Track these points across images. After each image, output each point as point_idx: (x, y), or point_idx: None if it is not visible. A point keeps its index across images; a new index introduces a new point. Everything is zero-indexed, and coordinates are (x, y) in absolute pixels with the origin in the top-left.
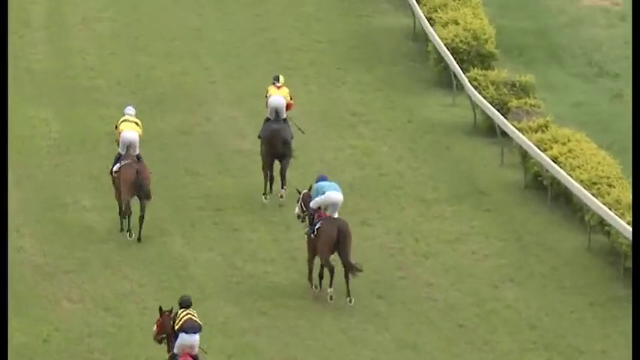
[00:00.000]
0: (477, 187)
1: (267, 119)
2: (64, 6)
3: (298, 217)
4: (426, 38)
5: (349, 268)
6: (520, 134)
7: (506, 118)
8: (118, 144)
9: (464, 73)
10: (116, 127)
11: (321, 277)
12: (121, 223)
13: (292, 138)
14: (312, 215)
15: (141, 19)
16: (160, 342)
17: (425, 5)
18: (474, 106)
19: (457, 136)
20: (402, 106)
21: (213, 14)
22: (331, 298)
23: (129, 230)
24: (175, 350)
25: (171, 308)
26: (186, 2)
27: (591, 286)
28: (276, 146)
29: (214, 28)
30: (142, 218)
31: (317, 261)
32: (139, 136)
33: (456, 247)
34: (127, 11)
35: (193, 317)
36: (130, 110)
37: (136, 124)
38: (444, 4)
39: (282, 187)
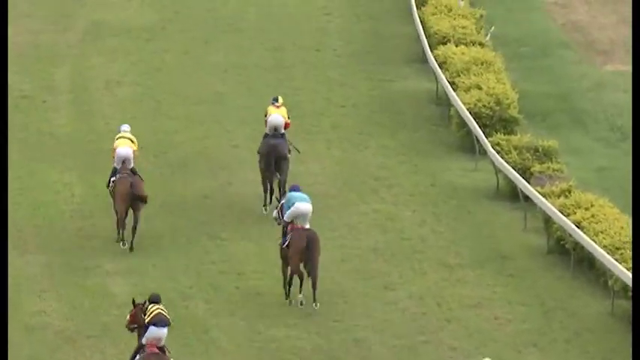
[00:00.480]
0: (500, 251)
1: (266, 135)
2: (87, 71)
3: (275, 219)
4: (448, 103)
5: (315, 278)
6: (543, 199)
7: (529, 182)
8: (114, 159)
9: (486, 138)
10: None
11: (289, 285)
12: (118, 233)
13: (290, 153)
14: (285, 227)
15: (163, 83)
16: (131, 331)
17: (447, 70)
18: (497, 170)
19: (480, 201)
20: (424, 170)
21: (236, 78)
22: (301, 303)
23: (123, 240)
24: (144, 341)
25: (144, 301)
26: (209, 66)
27: (615, 351)
28: (272, 162)
29: (237, 93)
30: (134, 229)
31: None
32: (134, 151)
33: (478, 312)
34: (149, 75)
35: (163, 312)
36: (125, 127)
37: (131, 140)
38: (467, 68)
39: (281, 199)
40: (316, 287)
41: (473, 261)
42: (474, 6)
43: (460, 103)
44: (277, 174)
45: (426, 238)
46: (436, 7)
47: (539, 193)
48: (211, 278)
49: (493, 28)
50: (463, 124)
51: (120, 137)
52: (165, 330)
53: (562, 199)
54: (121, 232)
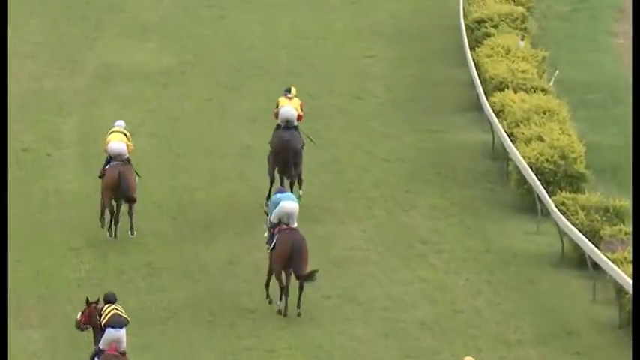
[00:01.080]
0: (565, 326)
1: (278, 126)
2: (96, 120)
3: (265, 228)
4: (506, 157)
5: (302, 279)
6: (614, 266)
7: (598, 247)
8: (107, 154)
9: (549, 197)
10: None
11: (268, 286)
12: (102, 224)
13: (303, 146)
14: (271, 229)
15: (183, 135)
16: (82, 330)
17: (505, 120)
18: (562, 233)
19: (542, 268)
20: (479, 233)
21: (265, 129)
22: (280, 311)
23: (110, 229)
24: (102, 345)
25: (98, 299)
26: (234, 116)
27: None
28: (286, 157)
29: (266, 145)
30: (115, 220)
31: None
32: (128, 146)
33: None
34: (167, 125)
35: (119, 312)
36: (120, 123)
37: (125, 135)
38: (527, 118)
39: (300, 188)
40: (302, 289)
41: (535, 337)
42: (536, 47)
43: (520, 157)
44: (292, 170)
45: (481, 311)
46: (492, 49)
47: (609, 259)
48: (237, 355)
49: (557, 72)
50: (523, 180)
51: (113, 132)
52: (123, 331)
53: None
54: (107, 222)
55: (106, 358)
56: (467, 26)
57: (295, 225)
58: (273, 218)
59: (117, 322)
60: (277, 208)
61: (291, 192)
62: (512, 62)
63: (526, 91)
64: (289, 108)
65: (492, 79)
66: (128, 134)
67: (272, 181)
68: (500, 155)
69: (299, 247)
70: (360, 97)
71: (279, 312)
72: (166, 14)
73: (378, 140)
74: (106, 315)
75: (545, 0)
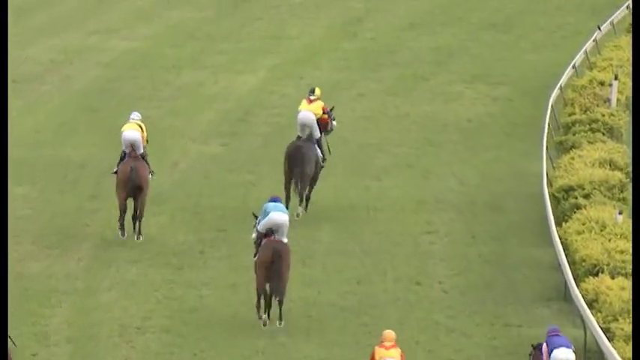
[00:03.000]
0: None
1: (298, 137)
2: (93, 312)
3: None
4: (602, 357)
5: (274, 291)
6: None
7: None
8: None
9: None
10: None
11: (259, 304)
12: (119, 222)
13: (324, 161)
14: (259, 239)
15: (201, 331)
16: None
17: (600, 311)
18: None
19: None
20: None
21: (303, 318)
22: (265, 324)
23: (122, 230)
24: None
25: None
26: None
27: None
28: (294, 164)
29: (302, 341)
30: (134, 218)
31: None
32: (142, 136)
33: None
34: (182, 318)
35: None
36: (136, 115)
37: (140, 126)
38: (628, 310)
39: (300, 204)
40: (282, 303)
41: None
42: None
43: (618, 358)
44: (299, 181)
45: None
46: (583, 224)
47: None
48: None
49: None
50: None
51: (129, 123)
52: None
53: None
54: (121, 221)
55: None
56: (552, 196)
57: (285, 240)
58: (260, 228)
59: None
60: (266, 219)
61: (302, 205)
62: (609, 241)
63: (625, 276)
64: (306, 113)
65: (584, 261)
66: (144, 127)
67: (287, 197)
68: (595, 356)
69: (279, 255)
70: (419, 283)
71: (264, 324)
72: (182, 180)
73: (441, 336)
74: None
75: None
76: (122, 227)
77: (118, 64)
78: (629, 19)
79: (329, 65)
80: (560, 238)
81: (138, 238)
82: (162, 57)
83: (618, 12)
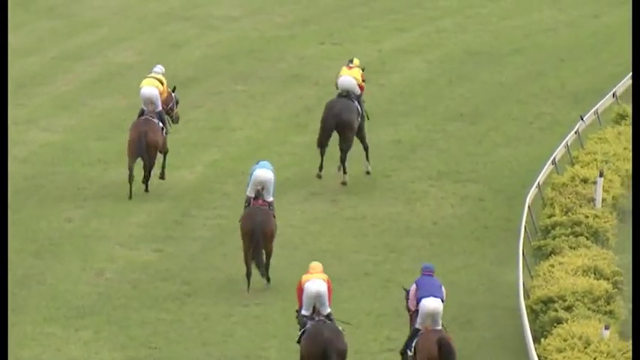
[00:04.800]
0: None
1: (339, 94)
2: None
3: None
4: None
5: (257, 263)
6: None
7: None
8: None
9: None
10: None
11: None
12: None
13: (362, 120)
14: (247, 203)
15: None
16: None
17: None
18: None
19: None
20: None
21: None
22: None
23: (130, 194)
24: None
25: None
26: None
27: None
28: (329, 130)
29: None
30: (145, 178)
31: None
32: (160, 92)
33: None
34: None
35: None
36: (158, 69)
37: (160, 81)
38: None
39: (344, 172)
40: (267, 274)
41: None
42: (626, 338)
43: None
44: (342, 144)
45: None
46: (565, 340)
47: None
48: None
49: None
50: None
51: (148, 77)
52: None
53: None
54: (130, 185)
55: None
56: (529, 309)
57: (270, 198)
58: (249, 191)
59: None
60: (252, 178)
61: (341, 169)
62: (594, 359)
63: None
64: (347, 77)
65: None
66: (164, 81)
67: (322, 153)
68: None
69: (262, 228)
70: None
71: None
72: (108, 290)
73: None
74: None
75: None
76: (130, 193)
77: (35, 160)
78: (616, 109)
79: (276, 161)
80: (539, 357)
81: (146, 190)
82: (86, 151)
83: (603, 100)
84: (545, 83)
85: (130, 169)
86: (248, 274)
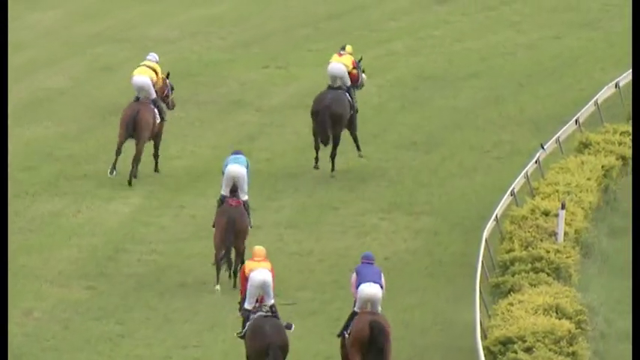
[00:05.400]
0: None
1: (329, 86)
2: None
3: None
4: None
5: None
6: None
7: None
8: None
9: None
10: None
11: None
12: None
13: (353, 111)
14: (220, 201)
15: None
16: None
17: None
18: None
19: None
20: None
21: None
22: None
23: (113, 169)
24: None
25: None
26: None
27: None
28: (324, 123)
29: None
30: (134, 158)
31: None
32: (152, 80)
33: None
34: None
35: None
36: (152, 56)
37: (153, 69)
38: None
39: (332, 168)
40: (235, 275)
41: None
42: None
43: None
44: (330, 137)
45: None
46: None
47: None
48: None
49: None
50: None
51: (140, 65)
52: None
53: None
54: (113, 161)
55: None
56: (486, 350)
57: (244, 197)
58: (223, 190)
59: None
60: (225, 175)
61: (331, 162)
62: None
63: None
64: (336, 64)
65: None
66: (158, 69)
67: (316, 148)
68: None
69: (234, 224)
70: None
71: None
72: (37, 331)
73: None
74: None
75: (601, 311)
76: (114, 166)
77: None
78: (578, 137)
79: (216, 192)
80: None
81: (131, 177)
82: (12, 182)
83: (565, 127)
84: (503, 109)
85: (119, 148)
86: (218, 269)
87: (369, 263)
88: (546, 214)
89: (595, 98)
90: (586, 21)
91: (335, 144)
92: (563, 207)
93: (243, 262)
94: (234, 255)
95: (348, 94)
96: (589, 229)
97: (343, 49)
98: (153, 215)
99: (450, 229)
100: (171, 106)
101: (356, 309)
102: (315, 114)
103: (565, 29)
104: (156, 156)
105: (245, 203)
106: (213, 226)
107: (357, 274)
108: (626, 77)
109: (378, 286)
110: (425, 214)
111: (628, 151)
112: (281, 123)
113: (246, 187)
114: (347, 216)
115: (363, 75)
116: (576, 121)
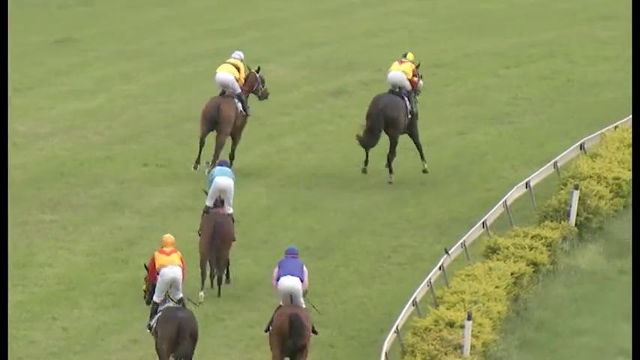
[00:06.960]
0: None
1: (390, 91)
2: None
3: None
4: None
5: (219, 271)
6: None
7: None
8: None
9: None
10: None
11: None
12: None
13: (412, 116)
14: (205, 212)
15: None
16: None
17: None
18: None
19: None
20: None
21: None
22: (200, 303)
23: (197, 162)
24: None
25: None
26: None
27: None
28: (378, 125)
29: None
30: (215, 151)
31: None
32: (236, 77)
33: None
34: None
35: None
36: (237, 54)
37: (236, 66)
38: None
39: (390, 171)
40: (221, 282)
41: None
42: None
43: None
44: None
45: None
46: None
47: None
48: None
49: None
50: None
51: (224, 63)
52: None
53: None
54: (199, 154)
55: None
56: None
57: (230, 210)
58: (208, 201)
59: None
60: (212, 186)
61: (388, 167)
62: None
63: None
64: (397, 72)
65: None
66: (242, 67)
67: (366, 150)
68: None
69: (221, 230)
70: None
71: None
72: None
73: None
74: None
75: None
76: (197, 161)
77: None
78: (486, 241)
79: (92, 303)
80: None
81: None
82: None
83: (472, 230)
84: (403, 211)
85: (202, 142)
86: (203, 275)
87: (292, 257)
88: (451, 325)
89: (504, 199)
90: (493, 114)
91: (392, 146)
92: (469, 318)
93: (228, 273)
94: (216, 263)
95: (406, 99)
96: (498, 342)
97: (404, 56)
98: (21, 328)
99: (347, 342)
100: (263, 97)
101: (281, 302)
102: (369, 116)
103: (470, 124)
104: (232, 157)
105: (230, 216)
106: (199, 234)
107: (278, 268)
108: (538, 176)
109: (297, 279)
110: (319, 326)
111: (540, 257)
112: (163, 226)
113: (231, 200)
114: (233, 328)
115: (421, 82)
116: (483, 223)
